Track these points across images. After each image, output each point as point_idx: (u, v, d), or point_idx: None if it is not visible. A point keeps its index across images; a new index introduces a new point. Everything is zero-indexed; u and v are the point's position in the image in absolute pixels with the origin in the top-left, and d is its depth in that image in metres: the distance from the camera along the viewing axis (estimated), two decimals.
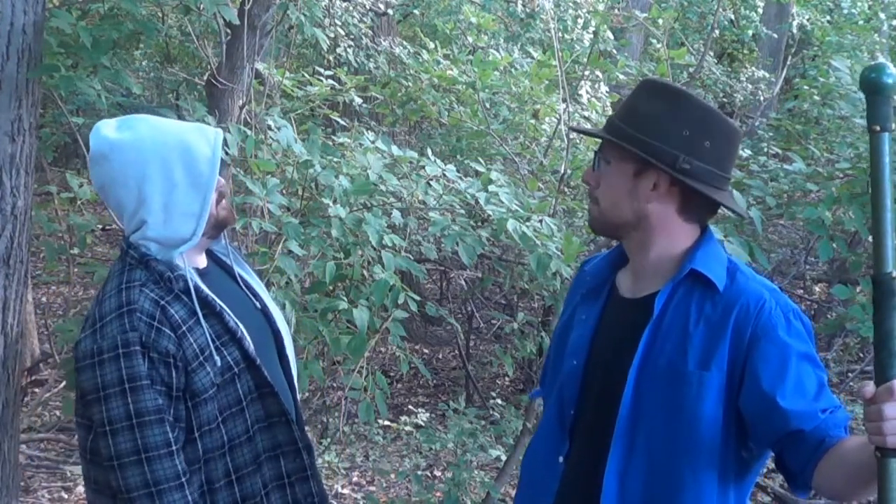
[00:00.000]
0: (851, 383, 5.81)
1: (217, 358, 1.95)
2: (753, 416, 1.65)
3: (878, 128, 1.47)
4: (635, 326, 1.74)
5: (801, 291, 7.51)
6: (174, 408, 1.91)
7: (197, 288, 2.00)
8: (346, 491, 4.86)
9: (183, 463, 1.90)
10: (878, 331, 1.45)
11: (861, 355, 6.58)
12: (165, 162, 1.99)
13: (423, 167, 3.89)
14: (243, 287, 2.21)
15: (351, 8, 7.09)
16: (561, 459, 1.81)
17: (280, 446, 2.09)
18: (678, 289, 1.73)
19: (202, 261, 2.15)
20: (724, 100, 9.21)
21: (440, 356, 7.46)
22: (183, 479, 1.89)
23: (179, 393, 1.91)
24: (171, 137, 2.02)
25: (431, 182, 3.88)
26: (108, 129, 2.00)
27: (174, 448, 1.89)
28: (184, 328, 1.93)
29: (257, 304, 2.20)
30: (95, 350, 1.88)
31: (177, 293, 1.96)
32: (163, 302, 1.94)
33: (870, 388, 1.43)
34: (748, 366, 1.64)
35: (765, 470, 4.56)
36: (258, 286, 2.26)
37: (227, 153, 2.07)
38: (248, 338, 2.04)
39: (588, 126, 5.36)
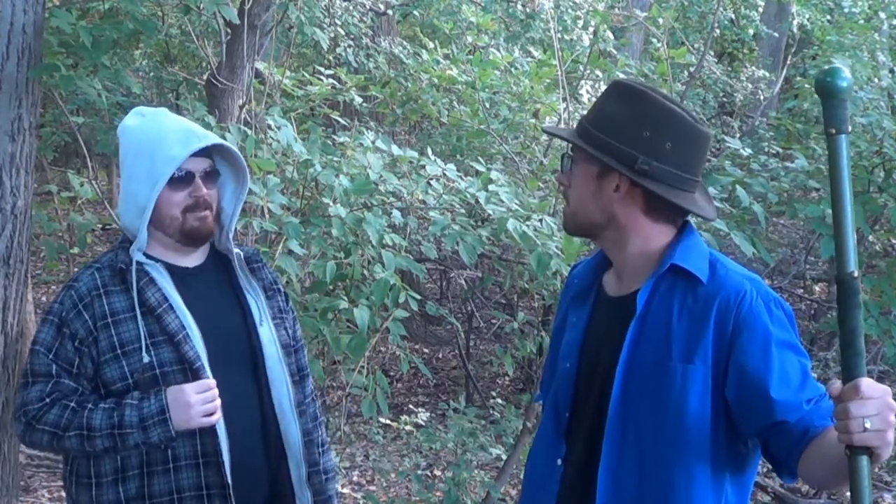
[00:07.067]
0: None
1: (145, 355, 2.01)
2: (739, 406, 1.65)
3: (833, 131, 1.46)
4: (621, 324, 1.73)
5: (801, 291, 7.51)
6: (79, 384, 2.06)
7: (142, 285, 2.05)
8: (346, 490, 4.86)
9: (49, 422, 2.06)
10: (843, 329, 1.45)
11: None
12: (138, 153, 2.07)
13: (423, 167, 3.89)
14: (242, 298, 2.19)
15: (351, 8, 7.09)
16: (559, 462, 1.82)
17: (203, 456, 2.07)
18: (660, 284, 1.73)
19: (190, 260, 2.16)
20: (725, 99, 9.20)
21: (440, 356, 7.45)
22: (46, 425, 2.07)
23: (80, 370, 2.06)
24: (156, 131, 2.07)
25: (431, 181, 3.88)
26: (130, 115, 2.14)
27: (42, 404, 2.04)
28: (109, 320, 2.03)
29: (246, 319, 2.17)
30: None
31: (128, 285, 2.04)
32: (102, 290, 2.06)
33: (837, 385, 1.44)
34: (732, 357, 1.64)
35: (765, 469, 4.55)
36: (256, 301, 2.21)
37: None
38: (193, 344, 2.05)
39: None
